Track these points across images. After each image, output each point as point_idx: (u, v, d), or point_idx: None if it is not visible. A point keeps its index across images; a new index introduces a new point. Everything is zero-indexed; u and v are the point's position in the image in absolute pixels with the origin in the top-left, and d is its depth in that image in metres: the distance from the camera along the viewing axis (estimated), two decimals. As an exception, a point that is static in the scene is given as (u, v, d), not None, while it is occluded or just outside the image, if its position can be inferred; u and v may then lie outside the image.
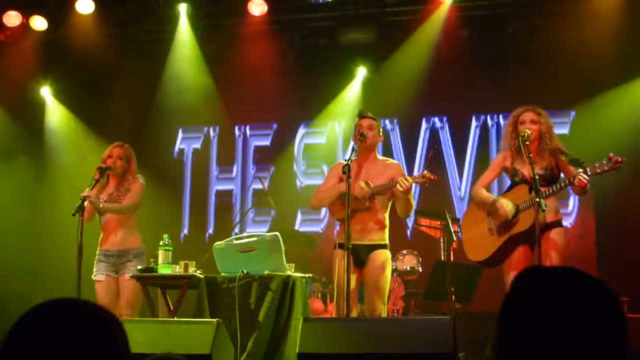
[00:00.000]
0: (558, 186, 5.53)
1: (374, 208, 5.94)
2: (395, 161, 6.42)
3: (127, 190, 6.74)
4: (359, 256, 5.85)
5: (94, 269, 6.69)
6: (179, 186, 10.26)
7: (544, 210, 5.28)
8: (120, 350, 1.63)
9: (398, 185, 5.67)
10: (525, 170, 5.65)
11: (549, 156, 5.70)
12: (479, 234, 5.89)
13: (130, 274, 6.45)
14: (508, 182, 6.10)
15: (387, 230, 6.01)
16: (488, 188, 6.03)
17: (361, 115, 6.23)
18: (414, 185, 5.94)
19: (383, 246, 5.94)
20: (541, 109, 5.88)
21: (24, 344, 1.55)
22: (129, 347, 1.66)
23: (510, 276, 5.60)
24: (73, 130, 10.28)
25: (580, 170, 5.39)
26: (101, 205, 6.58)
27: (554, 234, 5.60)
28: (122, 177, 6.80)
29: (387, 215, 6.03)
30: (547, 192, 5.47)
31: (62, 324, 1.57)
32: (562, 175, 5.77)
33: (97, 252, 6.72)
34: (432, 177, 5.71)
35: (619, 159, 5.29)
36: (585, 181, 5.35)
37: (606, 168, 5.32)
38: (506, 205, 5.65)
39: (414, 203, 6.00)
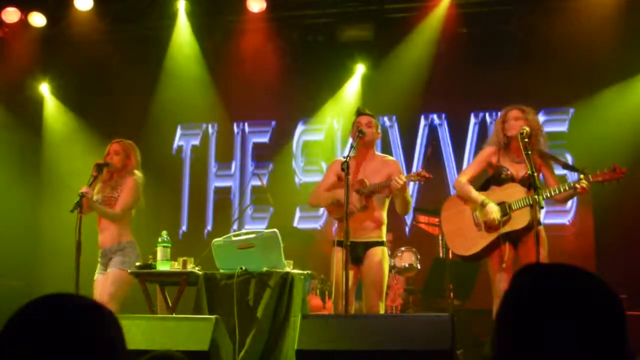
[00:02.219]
0: (557, 190, 5.51)
1: (371, 206, 5.94)
2: (393, 158, 6.40)
3: (121, 190, 6.68)
4: (357, 253, 5.85)
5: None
6: (177, 183, 10.26)
7: (542, 208, 5.28)
8: (116, 345, 1.62)
9: (393, 183, 5.68)
10: (513, 169, 5.66)
11: (535, 157, 5.68)
12: (465, 227, 5.85)
13: (114, 268, 6.49)
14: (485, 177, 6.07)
15: (384, 228, 6.01)
16: (472, 181, 5.99)
17: (359, 113, 6.22)
18: (410, 182, 5.93)
19: (380, 243, 5.94)
20: (526, 107, 5.85)
21: (19, 339, 1.55)
22: (125, 342, 1.66)
23: (499, 274, 5.58)
24: (71, 126, 10.27)
25: (582, 177, 5.40)
26: (96, 205, 6.55)
27: (539, 232, 5.60)
28: (121, 174, 6.74)
29: (385, 213, 6.03)
30: (546, 195, 5.47)
31: (58, 318, 1.57)
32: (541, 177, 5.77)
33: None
34: (426, 175, 5.70)
35: (623, 170, 5.30)
36: (587, 189, 5.37)
37: (608, 177, 5.33)
38: (494, 213, 5.62)
39: (411, 200, 6.00)
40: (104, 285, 6.54)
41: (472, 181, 5.93)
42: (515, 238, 5.62)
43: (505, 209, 5.63)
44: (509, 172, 5.71)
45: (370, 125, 6.06)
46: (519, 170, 5.61)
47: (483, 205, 5.71)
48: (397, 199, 5.91)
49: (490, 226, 5.70)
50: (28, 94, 10.27)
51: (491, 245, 5.69)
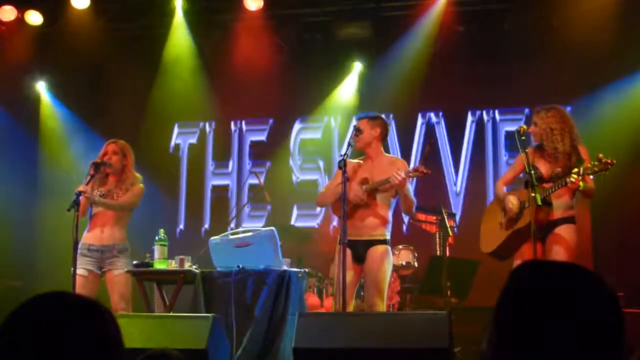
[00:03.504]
0: (555, 186, 5.53)
1: (374, 204, 5.92)
2: (401, 158, 6.42)
3: (127, 189, 6.66)
4: (358, 252, 5.85)
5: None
6: (175, 181, 10.26)
7: (539, 205, 5.30)
8: (114, 343, 1.62)
9: (391, 178, 5.67)
10: (544, 169, 5.65)
11: (565, 157, 5.66)
12: (492, 227, 5.96)
13: (124, 269, 6.41)
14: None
15: (388, 227, 5.98)
16: (514, 185, 6.07)
17: (356, 119, 6.33)
18: (409, 180, 5.92)
19: (382, 241, 5.90)
20: (544, 108, 5.85)
21: (17, 337, 1.54)
22: (123, 341, 1.65)
23: (515, 264, 5.65)
24: (68, 124, 10.26)
25: (575, 170, 5.40)
26: (96, 199, 6.52)
27: (561, 230, 5.58)
28: (122, 173, 6.70)
29: (389, 212, 6.00)
30: (546, 191, 5.48)
31: (56, 317, 1.57)
32: None
33: (80, 245, 6.41)
34: (424, 171, 5.67)
35: (609, 161, 5.28)
36: (576, 182, 5.34)
37: (596, 169, 5.32)
38: (511, 203, 5.68)
39: (412, 198, 5.96)
40: (114, 287, 6.47)
41: (514, 184, 6.02)
42: (539, 235, 5.60)
43: (521, 207, 5.68)
44: (538, 172, 5.72)
45: (361, 130, 6.04)
46: (549, 169, 5.62)
47: (503, 200, 5.78)
48: (400, 197, 5.92)
49: (507, 224, 5.76)
50: (25, 93, 10.25)
51: (508, 242, 5.75)
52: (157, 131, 10.20)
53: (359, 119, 6.20)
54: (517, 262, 5.69)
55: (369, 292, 5.88)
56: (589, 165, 5.36)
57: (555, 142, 5.66)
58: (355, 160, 6.13)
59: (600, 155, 5.30)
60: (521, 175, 5.91)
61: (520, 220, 5.68)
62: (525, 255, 5.59)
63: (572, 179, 5.33)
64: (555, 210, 5.56)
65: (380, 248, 5.89)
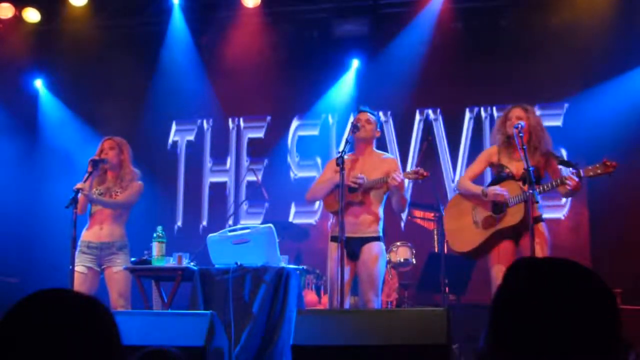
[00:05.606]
0: (549, 185, 5.54)
1: (368, 201, 5.94)
2: (392, 156, 6.42)
3: (126, 186, 6.67)
4: (352, 249, 5.86)
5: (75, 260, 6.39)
6: (172, 178, 10.26)
7: (537, 202, 5.31)
8: (112, 341, 1.62)
9: (390, 180, 5.68)
10: (513, 167, 5.67)
11: (539, 156, 5.69)
12: (464, 225, 5.90)
13: (122, 267, 6.42)
14: (490, 177, 6.11)
15: (381, 223, 6.01)
16: (476, 181, 6.03)
17: (359, 110, 6.27)
18: (407, 180, 5.94)
19: (376, 238, 5.94)
20: (529, 106, 5.89)
21: (15, 334, 1.54)
22: (121, 338, 1.66)
23: (497, 269, 5.62)
24: (66, 122, 10.25)
25: (573, 170, 5.40)
26: (94, 197, 6.53)
27: (540, 227, 5.62)
28: (120, 168, 6.72)
29: (382, 209, 6.03)
30: (539, 190, 5.48)
31: (54, 315, 1.57)
32: (547, 175, 5.79)
33: (79, 242, 6.50)
34: (424, 174, 5.71)
35: (614, 164, 5.30)
36: (577, 181, 5.36)
37: (599, 172, 5.33)
38: (500, 192, 5.66)
39: (407, 198, 5.99)
40: (113, 284, 6.49)
41: (476, 180, 5.99)
42: (516, 235, 5.63)
43: (502, 206, 5.66)
44: (508, 170, 5.73)
45: (370, 122, 6.08)
46: (519, 167, 5.62)
47: (484, 194, 5.73)
48: (394, 196, 5.93)
49: (487, 223, 5.74)
50: (22, 90, 10.24)
51: (488, 242, 5.72)
52: (155, 128, 10.19)
53: (363, 111, 6.19)
54: (494, 260, 5.68)
55: (364, 289, 5.89)
56: (591, 167, 5.38)
57: (539, 139, 5.69)
58: (346, 157, 6.14)
59: (606, 159, 5.34)
60: (509, 174, 5.86)
61: (505, 220, 5.66)
62: (503, 255, 5.59)
63: (574, 179, 5.35)
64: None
65: (374, 245, 5.91)
